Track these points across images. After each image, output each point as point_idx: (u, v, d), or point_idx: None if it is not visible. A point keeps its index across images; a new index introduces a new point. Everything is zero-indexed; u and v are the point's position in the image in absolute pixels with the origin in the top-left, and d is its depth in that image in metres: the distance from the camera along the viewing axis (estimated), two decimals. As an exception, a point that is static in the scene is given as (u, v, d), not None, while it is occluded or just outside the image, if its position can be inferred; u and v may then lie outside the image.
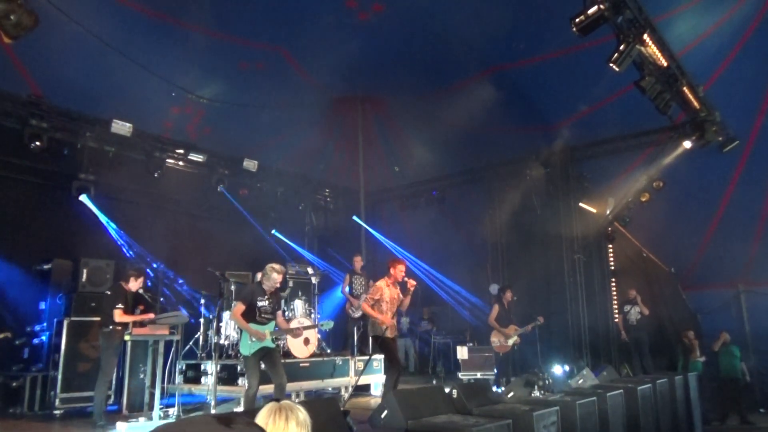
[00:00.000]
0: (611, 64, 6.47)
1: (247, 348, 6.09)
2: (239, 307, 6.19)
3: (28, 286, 8.10)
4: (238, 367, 7.67)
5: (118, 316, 6.68)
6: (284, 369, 7.56)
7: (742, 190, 10.46)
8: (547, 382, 6.43)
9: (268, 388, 6.54)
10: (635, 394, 6.72)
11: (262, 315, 6.26)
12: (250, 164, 11.12)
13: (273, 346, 6.28)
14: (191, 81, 9.68)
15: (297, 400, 6.47)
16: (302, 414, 2.16)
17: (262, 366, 6.31)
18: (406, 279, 7.06)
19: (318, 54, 9.60)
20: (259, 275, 9.38)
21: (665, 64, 7.33)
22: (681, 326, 11.24)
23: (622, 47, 6.54)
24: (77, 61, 8.13)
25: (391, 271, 7.10)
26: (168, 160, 10.31)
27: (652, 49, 6.97)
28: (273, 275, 6.34)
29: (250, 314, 6.18)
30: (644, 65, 7.18)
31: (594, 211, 11.72)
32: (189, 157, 10.48)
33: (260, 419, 2.12)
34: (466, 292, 12.63)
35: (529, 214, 11.92)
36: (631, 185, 10.83)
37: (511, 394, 6.35)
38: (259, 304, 6.26)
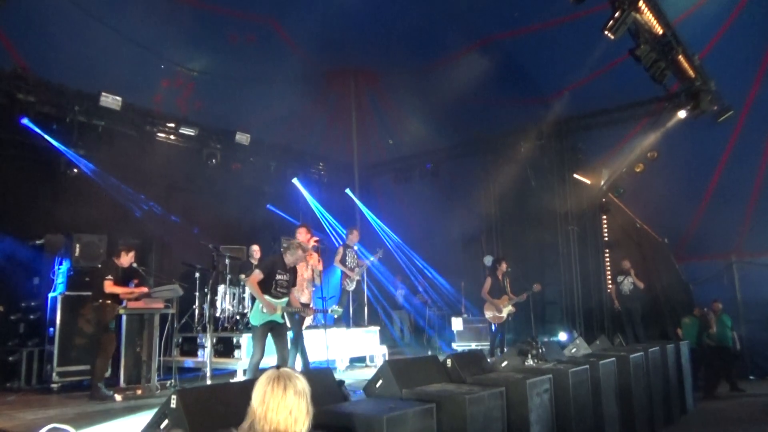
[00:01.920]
0: (606, 32, 6.41)
1: (257, 318, 6.02)
2: (258, 275, 6.07)
3: (21, 261, 8.06)
4: (234, 340, 7.72)
5: (108, 287, 6.67)
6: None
7: (736, 160, 10.47)
8: (540, 351, 6.46)
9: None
10: (627, 362, 6.80)
11: (278, 288, 6.16)
12: (243, 138, 11.01)
13: (282, 321, 6.23)
14: (181, 54, 9.53)
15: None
16: (301, 383, 2.22)
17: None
18: (315, 242, 7.02)
19: (309, 26, 9.44)
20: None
21: (661, 32, 7.25)
22: (674, 296, 11.35)
23: (617, 14, 6.46)
24: (63, 33, 7.97)
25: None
26: (159, 134, 10.21)
27: (648, 17, 6.89)
28: (299, 252, 6.27)
29: (267, 285, 6.07)
30: (639, 33, 7.10)
31: (588, 182, 11.72)
32: (180, 131, 10.36)
33: (259, 386, 2.19)
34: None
35: (524, 186, 11.91)
36: (625, 156, 10.82)
37: (505, 363, 6.39)
38: (278, 277, 6.17)
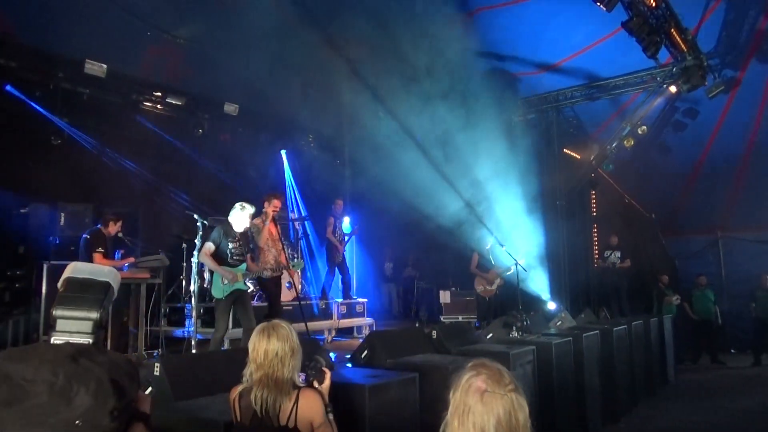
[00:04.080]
0: (599, 4, 6.32)
1: (220, 291, 5.89)
2: (209, 247, 5.94)
3: (6, 230, 7.98)
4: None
5: (98, 260, 6.64)
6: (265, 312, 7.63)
7: (725, 137, 10.50)
8: (525, 323, 6.54)
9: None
10: (611, 335, 6.92)
11: (234, 257, 6.06)
12: (231, 108, 10.85)
13: (245, 288, 6.15)
14: (168, 21, 9.32)
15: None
16: (284, 330, 2.58)
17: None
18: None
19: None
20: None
21: (654, 4, 7.18)
22: (658, 271, 11.48)
23: (610, -14, 6.38)
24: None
25: (266, 207, 6.88)
26: (145, 104, 10.04)
27: (641, -11, 6.82)
28: (243, 212, 6.13)
29: (221, 256, 5.98)
30: (633, 5, 7.02)
31: (578, 157, 11.73)
32: (167, 100, 10.20)
33: (252, 337, 2.58)
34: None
35: (512, 159, 11.87)
36: (615, 131, 10.80)
37: (490, 335, 6.47)
38: (230, 245, 6.05)
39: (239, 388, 2.54)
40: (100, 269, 4.42)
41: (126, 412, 0.93)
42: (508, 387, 1.69)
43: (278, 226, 7.05)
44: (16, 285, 7.87)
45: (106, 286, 4.14)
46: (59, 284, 4.17)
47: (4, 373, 0.87)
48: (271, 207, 6.83)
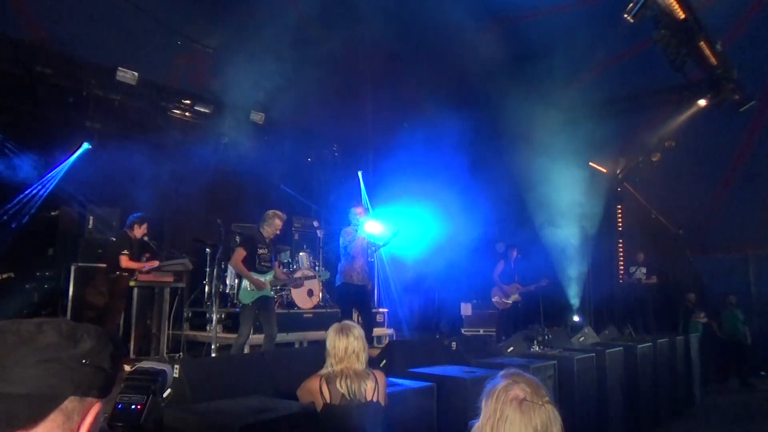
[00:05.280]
0: (626, 16, 6.26)
1: (247, 296, 5.98)
2: (240, 253, 6.04)
3: (37, 232, 8.17)
4: (242, 315, 7.77)
5: (124, 262, 6.77)
6: (288, 319, 7.67)
7: (756, 153, 10.27)
8: (547, 337, 6.45)
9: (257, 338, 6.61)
10: (635, 352, 6.77)
11: (262, 263, 6.14)
12: (257, 117, 10.99)
13: (272, 295, 6.23)
14: (198, 30, 9.51)
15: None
16: (357, 330, 3.14)
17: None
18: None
19: (327, 4, 9.37)
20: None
21: (682, 16, 7.08)
22: (686, 288, 11.23)
23: (637, -2, 6.31)
24: (81, 5, 8.00)
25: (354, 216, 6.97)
26: (174, 111, 10.23)
27: (670, 0, 6.72)
28: (275, 221, 6.22)
29: (250, 262, 6.05)
30: (660, 18, 6.94)
31: (604, 171, 11.57)
32: (195, 108, 10.38)
33: (330, 336, 3.10)
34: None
35: (539, 172, 11.77)
36: (642, 145, 10.65)
37: (511, 348, 6.39)
38: (259, 251, 6.13)
39: (320, 377, 3.01)
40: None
41: (117, 367, 1.03)
42: (545, 398, 1.68)
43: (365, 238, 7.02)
44: (45, 286, 8.05)
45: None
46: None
47: (15, 326, 0.96)
48: (356, 215, 6.94)
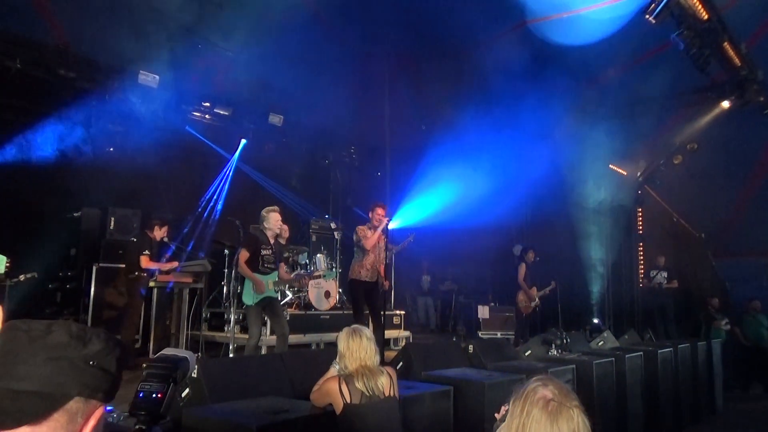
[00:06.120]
0: (647, 16, 6.18)
1: (250, 297, 5.94)
2: (244, 254, 5.97)
3: (60, 232, 8.31)
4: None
5: (144, 262, 6.86)
6: (305, 321, 7.68)
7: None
8: (565, 341, 6.39)
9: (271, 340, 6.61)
10: (655, 357, 6.67)
11: (266, 264, 6.07)
12: (276, 119, 11.06)
13: (275, 295, 6.16)
14: (216, 33, 9.60)
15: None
16: (368, 332, 3.29)
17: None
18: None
19: (347, 7, 9.40)
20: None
21: (706, 17, 6.96)
22: (708, 293, 11.05)
23: (660, -2, 6.23)
24: (104, 9, 8.13)
25: (370, 215, 6.94)
26: (194, 113, 10.34)
27: (693, 0, 6.62)
28: (272, 215, 6.12)
29: (254, 263, 6.00)
30: (683, 18, 6.84)
31: (624, 173, 11.44)
32: (215, 110, 10.48)
33: (342, 338, 3.22)
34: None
35: (558, 174, 11.68)
36: (664, 147, 10.51)
37: (529, 352, 6.34)
38: (263, 252, 6.05)
39: (337, 378, 3.10)
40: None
41: (122, 366, 1.05)
42: (573, 402, 1.66)
43: (385, 236, 6.96)
44: (67, 286, 8.19)
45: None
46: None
47: (26, 325, 0.99)
48: (375, 216, 6.88)
